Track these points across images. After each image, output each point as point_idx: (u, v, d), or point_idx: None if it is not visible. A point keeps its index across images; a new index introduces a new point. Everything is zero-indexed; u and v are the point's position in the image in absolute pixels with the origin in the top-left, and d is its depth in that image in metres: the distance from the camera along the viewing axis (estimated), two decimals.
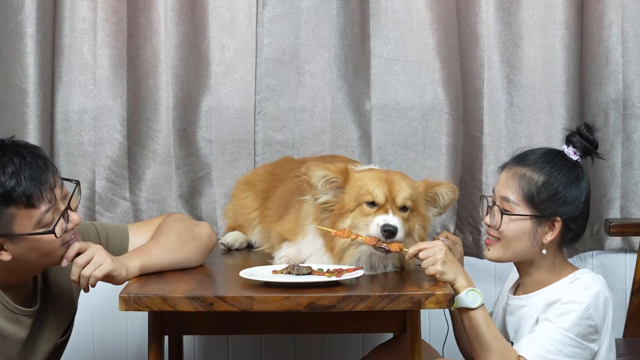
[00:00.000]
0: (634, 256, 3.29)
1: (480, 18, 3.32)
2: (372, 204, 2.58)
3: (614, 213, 3.40)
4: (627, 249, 3.42)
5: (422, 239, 2.64)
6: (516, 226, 2.54)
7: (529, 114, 3.34)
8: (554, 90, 3.30)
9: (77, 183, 2.49)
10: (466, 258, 2.86)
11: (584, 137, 2.59)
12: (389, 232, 2.53)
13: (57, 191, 2.42)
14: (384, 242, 2.54)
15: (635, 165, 3.39)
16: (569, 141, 2.60)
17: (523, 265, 2.60)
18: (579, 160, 2.59)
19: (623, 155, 3.38)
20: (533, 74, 3.32)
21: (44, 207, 2.38)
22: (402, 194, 2.60)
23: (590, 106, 3.37)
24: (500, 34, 3.32)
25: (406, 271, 2.62)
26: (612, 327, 2.53)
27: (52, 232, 2.39)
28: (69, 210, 2.44)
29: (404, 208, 2.60)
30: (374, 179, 2.62)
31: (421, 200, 2.66)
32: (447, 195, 2.69)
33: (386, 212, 2.57)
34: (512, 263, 2.64)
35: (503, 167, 2.62)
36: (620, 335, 3.20)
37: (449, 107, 3.32)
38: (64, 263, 2.45)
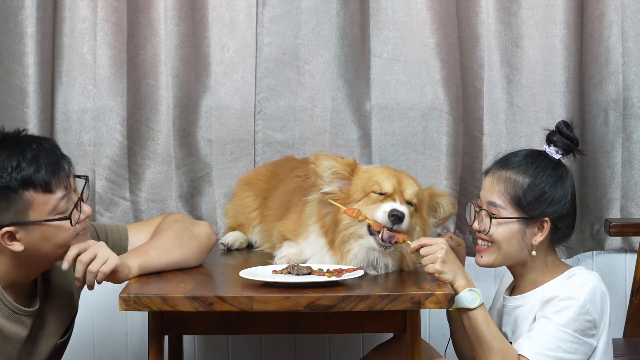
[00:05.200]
0: (634, 256, 3.29)
1: (480, 18, 3.32)
2: (380, 194, 2.59)
3: (614, 213, 3.39)
4: (627, 249, 3.42)
5: None
6: (505, 229, 2.54)
7: (529, 114, 3.34)
8: (554, 90, 3.30)
9: (87, 178, 2.53)
10: (467, 258, 2.86)
11: (564, 135, 2.59)
12: (395, 217, 2.53)
13: (71, 180, 2.46)
14: (389, 229, 2.54)
15: (635, 165, 3.39)
16: (549, 141, 2.60)
17: (516, 267, 2.60)
18: (561, 159, 2.59)
19: (623, 155, 3.38)
20: (533, 74, 3.32)
21: (60, 193, 2.41)
22: (411, 189, 2.61)
23: (590, 106, 3.36)
24: (500, 34, 3.32)
25: (406, 271, 2.63)
26: (610, 322, 2.53)
27: (68, 218, 2.41)
28: (80, 202, 2.46)
29: (410, 203, 2.61)
30: (383, 172, 2.64)
31: (425, 205, 2.68)
32: (446, 207, 2.72)
33: (394, 200, 2.58)
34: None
35: (486, 172, 2.62)
36: (620, 335, 3.20)
37: (449, 107, 3.32)
38: (65, 266, 2.45)
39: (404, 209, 2.56)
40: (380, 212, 2.55)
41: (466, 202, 2.73)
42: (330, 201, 2.62)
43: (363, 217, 2.56)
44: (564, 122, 2.61)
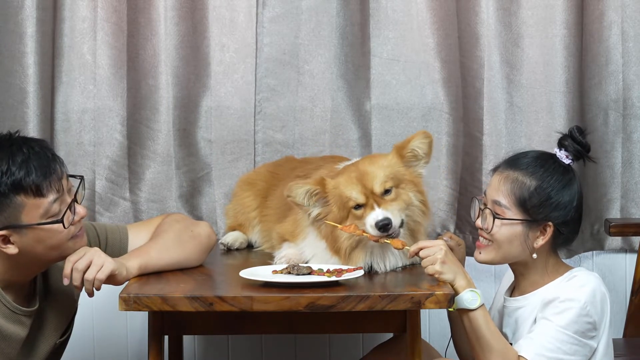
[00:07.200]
0: (634, 256, 3.29)
1: (480, 18, 3.32)
2: (358, 206, 2.59)
3: (614, 213, 3.39)
4: (627, 249, 3.42)
5: (423, 203, 2.65)
6: (507, 230, 2.53)
7: (529, 114, 3.34)
8: (554, 90, 3.30)
9: (82, 178, 2.52)
10: (467, 258, 2.86)
11: (577, 140, 2.57)
12: (383, 227, 2.54)
13: (64, 182, 2.44)
14: (385, 240, 2.55)
15: (635, 165, 3.39)
16: (561, 145, 2.59)
17: (516, 267, 2.61)
18: (571, 164, 2.58)
19: (623, 155, 3.38)
20: (533, 74, 3.32)
21: (51, 197, 2.40)
22: (377, 181, 2.60)
23: (590, 106, 3.36)
24: (500, 34, 3.32)
25: (406, 271, 2.63)
26: (610, 324, 2.53)
27: (61, 221, 2.40)
28: (74, 203, 2.45)
29: (386, 192, 2.60)
30: (346, 183, 2.62)
31: (400, 169, 2.65)
32: (422, 144, 2.67)
33: (372, 208, 2.58)
34: (507, 265, 2.65)
35: (494, 169, 2.61)
36: (620, 336, 3.20)
37: (449, 107, 3.32)
38: (65, 282, 2.45)
39: (384, 213, 2.56)
40: (369, 228, 2.56)
41: (472, 198, 2.72)
42: (327, 222, 2.62)
43: (360, 232, 2.58)
44: (577, 127, 2.60)
